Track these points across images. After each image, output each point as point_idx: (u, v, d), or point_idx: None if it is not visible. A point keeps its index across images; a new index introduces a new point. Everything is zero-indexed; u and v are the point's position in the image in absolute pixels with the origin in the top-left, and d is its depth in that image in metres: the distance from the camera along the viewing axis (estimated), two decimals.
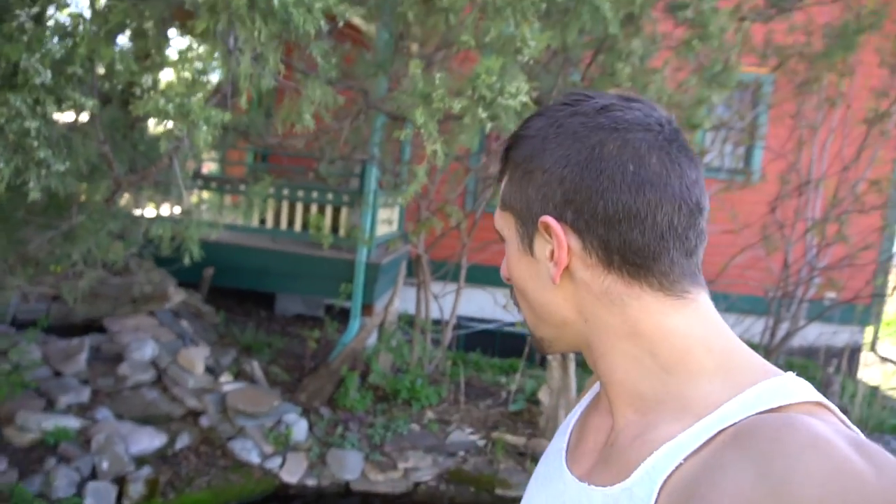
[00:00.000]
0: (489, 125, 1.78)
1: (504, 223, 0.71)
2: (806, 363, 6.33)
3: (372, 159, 5.26)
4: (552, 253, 0.64)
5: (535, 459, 4.52)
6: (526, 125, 0.69)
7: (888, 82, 4.91)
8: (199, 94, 1.44)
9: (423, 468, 4.38)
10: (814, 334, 6.24)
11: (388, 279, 6.50)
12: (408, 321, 5.72)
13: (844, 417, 0.55)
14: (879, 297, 6.24)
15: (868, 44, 4.63)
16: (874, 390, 6.37)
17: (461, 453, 4.61)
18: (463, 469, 4.44)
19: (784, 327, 5.64)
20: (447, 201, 5.36)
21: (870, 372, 7.52)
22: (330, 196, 6.03)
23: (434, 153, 1.80)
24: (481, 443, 4.75)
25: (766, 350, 5.71)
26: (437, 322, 5.85)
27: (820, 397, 0.55)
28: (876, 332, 7.66)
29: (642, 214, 0.60)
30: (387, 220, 6.62)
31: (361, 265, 5.86)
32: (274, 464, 4.17)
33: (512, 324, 7.22)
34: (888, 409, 5.63)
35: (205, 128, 1.42)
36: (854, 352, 6.75)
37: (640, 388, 0.62)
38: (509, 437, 4.75)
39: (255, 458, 4.16)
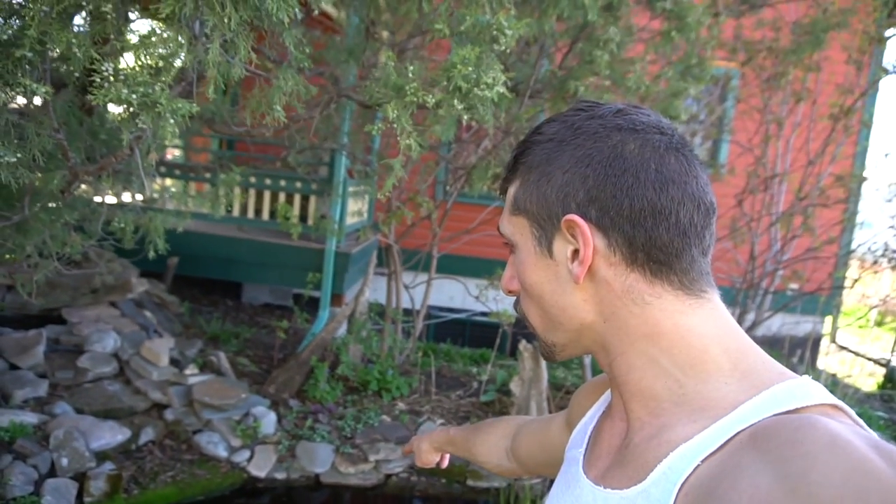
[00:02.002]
0: (466, 116, 1.74)
1: (515, 228, 0.71)
2: (771, 353, 6.47)
3: (342, 148, 5.17)
4: (574, 253, 0.64)
5: None
6: (538, 131, 0.70)
7: (853, 79, 5.01)
8: (165, 83, 1.36)
9: (394, 460, 4.35)
10: (777, 324, 6.39)
11: (358, 269, 6.43)
12: (378, 311, 5.67)
13: (859, 420, 0.55)
14: (839, 288, 6.40)
15: (834, 41, 4.71)
16: (833, 378, 6.56)
17: None
18: None
19: (750, 318, 5.75)
20: (418, 191, 5.30)
21: (829, 361, 7.75)
22: (298, 185, 5.92)
23: (408, 147, 1.76)
24: None
25: None
26: (407, 312, 5.81)
27: (835, 400, 0.55)
28: (835, 323, 7.88)
29: (667, 211, 0.61)
30: (357, 210, 6.53)
31: (331, 255, 5.78)
32: (242, 457, 4.09)
33: (483, 313, 7.23)
34: (847, 398, 5.80)
35: (172, 120, 1.35)
36: (815, 341, 6.94)
37: (656, 389, 0.62)
38: None
39: (222, 452, 4.08)
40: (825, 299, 6.22)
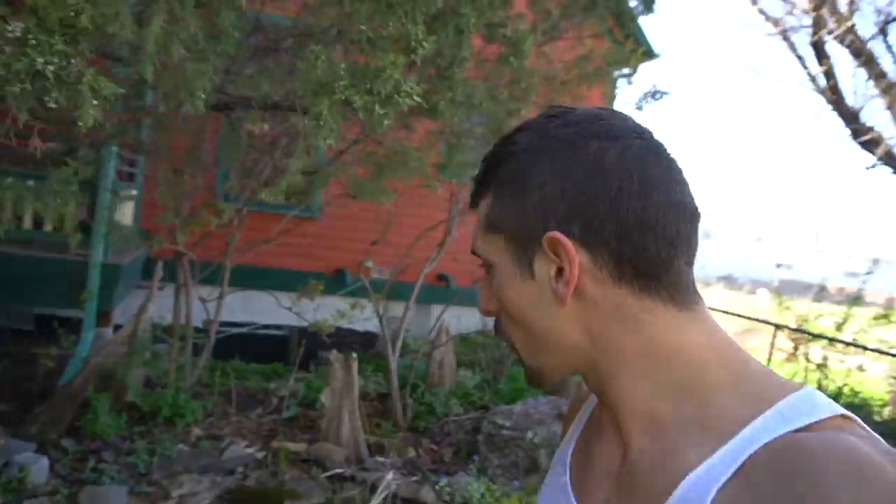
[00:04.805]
0: (385, 123, 1.76)
1: (491, 248, 0.65)
2: None
3: (111, 143, 4.51)
4: (558, 271, 0.60)
5: (319, 464, 4.41)
6: (509, 140, 0.65)
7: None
8: (85, 56, 1.13)
9: (200, 491, 3.93)
10: None
11: (128, 283, 5.65)
12: (164, 329, 5.07)
13: (868, 428, 0.54)
14: None
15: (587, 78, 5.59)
16: None
17: (240, 469, 4.27)
18: (245, 485, 4.11)
19: None
20: (213, 196, 4.90)
21: None
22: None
23: (329, 146, 1.71)
24: (260, 455, 4.46)
25: None
26: (195, 330, 5.29)
27: (842, 409, 0.54)
28: None
29: (653, 221, 0.58)
30: (126, 216, 5.75)
31: (97, 267, 4.98)
32: None
33: (266, 326, 6.90)
34: None
35: (94, 102, 1.12)
36: None
37: (656, 410, 0.59)
38: (290, 445, 4.56)
39: None
40: None
